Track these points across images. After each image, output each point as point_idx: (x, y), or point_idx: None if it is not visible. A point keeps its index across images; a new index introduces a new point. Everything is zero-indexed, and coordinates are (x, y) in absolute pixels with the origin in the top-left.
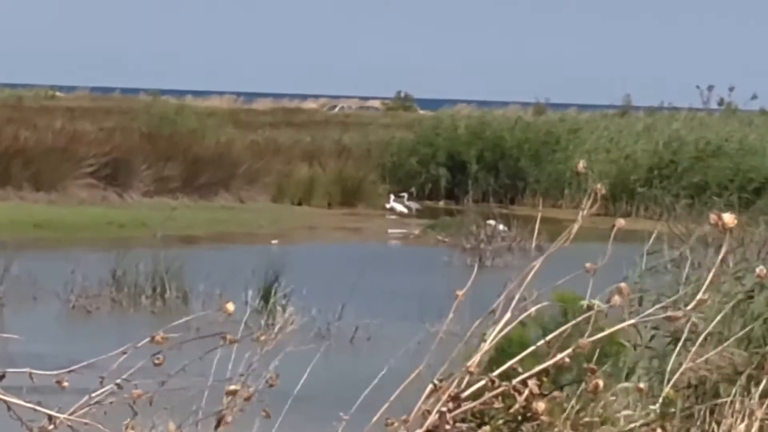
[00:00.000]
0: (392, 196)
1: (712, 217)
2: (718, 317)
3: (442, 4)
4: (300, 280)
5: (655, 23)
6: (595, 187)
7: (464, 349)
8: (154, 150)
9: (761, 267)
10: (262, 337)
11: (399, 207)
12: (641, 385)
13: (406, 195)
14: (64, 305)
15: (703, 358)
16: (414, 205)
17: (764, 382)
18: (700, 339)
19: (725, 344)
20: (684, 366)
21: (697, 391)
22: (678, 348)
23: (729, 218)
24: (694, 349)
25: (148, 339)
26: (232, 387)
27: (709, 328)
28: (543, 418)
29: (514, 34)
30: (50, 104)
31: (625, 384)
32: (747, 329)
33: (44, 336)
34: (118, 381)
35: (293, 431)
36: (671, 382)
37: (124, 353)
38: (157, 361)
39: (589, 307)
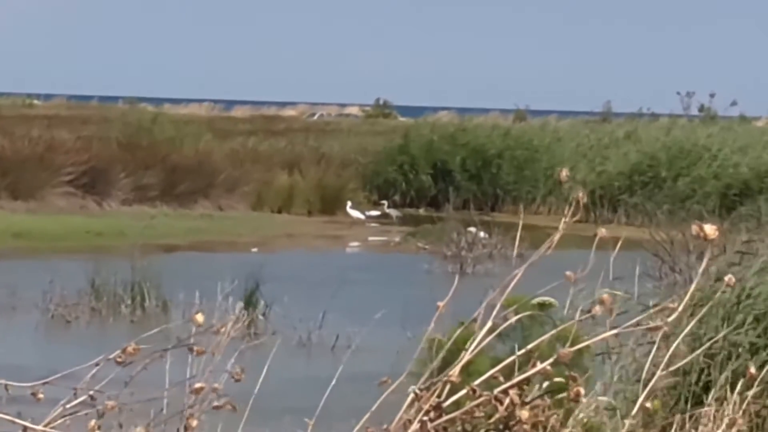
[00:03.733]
0: (349, 203)
1: (694, 228)
2: (693, 323)
3: (421, 12)
4: (281, 288)
5: (635, 30)
6: (577, 195)
7: (447, 356)
8: (133, 158)
9: (730, 276)
10: (222, 329)
11: (356, 214)
12: (625, 395)
13: (386, 203)
14: (43, 315)
15: (679, 365)
16: (394, 212)
17: (739, 386)
18: (674, 346)
19: (701, 350)
20: (659, 372)
21: (674, 396)
22: (652, 355)
23: (710, 230)
24: (668, 355)
25: (119, 351)
26: (198, 385)
27: (683, 334)
28: (526, 426)
29: (494, 41)
30: (28, 112)
31: (602, 398)
32: (726, 331)
33: (23, 346)
34: (91, 392)
35: None
36: (647, 390)
37: (97, 364)
38: (119, 360)
39: (542, 305)
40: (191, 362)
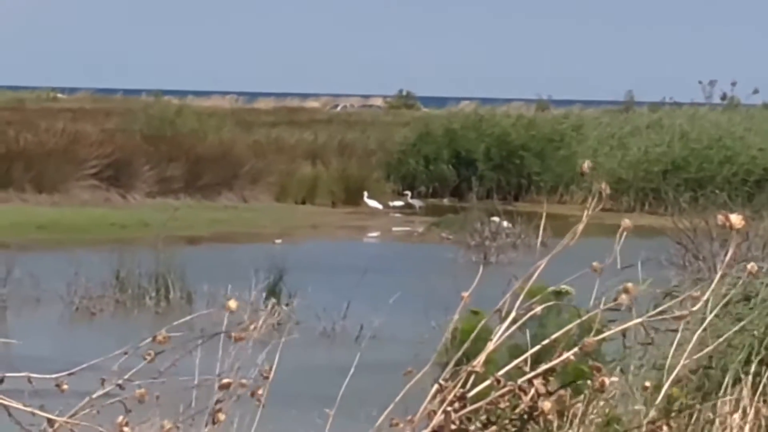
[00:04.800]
0: (366, 194)
1: (720, 217)
2: (716, 310)
3: (443, 2)
4: (304, 279)
5: (657, 19)
6: (600, 186)
7: (470, 346)
8: (157, 151)
9: (752, 264)
10: (252, 326)
11: (374, 204)
12: (647, 383)
13: (409, 193)
14: (67, 307)
15: (703, 353)
16: (418, 202)
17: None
18: (698, 332)
19: (722, 338)
20: (683, 361)
21: (696, 385)
22: (675, 343)
23: (736, 219)
24: (691, 344)
25: (149, 339)
26: (225, 380)
27: (705, 324)
28: (549, 417)
29: (516, 31)
30: (52, 106)
31: (615, 378)
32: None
33: (48, 338)
34: (119, 382)
35: (294, 427)
36: (671, 378)
37: (125, 353)
38: (147, 357)
39: (558, 293)
40: (221, 356)
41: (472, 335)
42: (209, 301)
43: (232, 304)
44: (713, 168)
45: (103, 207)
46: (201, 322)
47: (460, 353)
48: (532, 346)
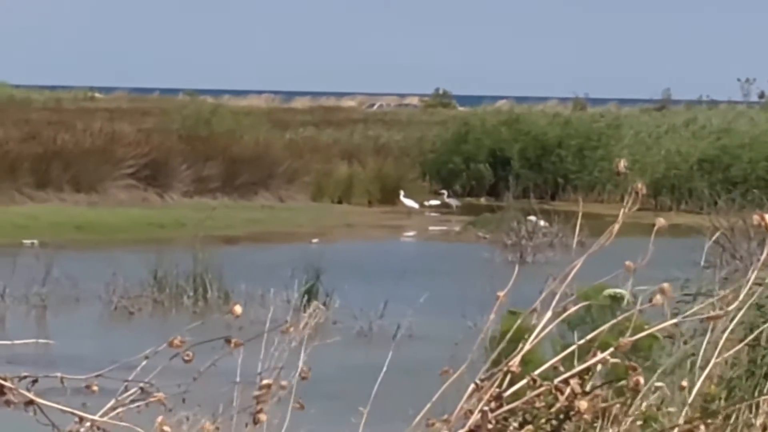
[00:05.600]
0: (402, 192)
1: (755, 217)
2: (744, 307)
3: (478, 2)
4: (341, 279)
5: (694, 16)
6: (636, 186)
7: (508, 346)
8: (193, 150)
9: None
10: (291, 329)
11: (410, 203)
12: (684, 383)
13: (445, 192)
14: (105, 307)
15: (731, 351)
16: (454, 201)
17: None
18: (727, 332)
19: (752, 336)
20: (713, 360)
21: (735, 384)
22: (705, 343)
23: None
24: (721, 343)
25: (166, 344)
26: (266, 381)
27: (734, 323)
28: (586, 416)
29: (553, 29)
30: (89, 106)
31: (658, 384)
32: None
33: (87, 337)
34: (147, 381)
35: (330, 427)
36: (702, 377)
37: (147, 357)
38: (186, 358)
39: (614, 297)
40: (263, 357)
41: (507, 335)
42: (247, 301)
43: (238, 309)
44: (750, 166)
45: (141, 207)
46: (239, 322)
47: (495, 353)
48: (583, 347)
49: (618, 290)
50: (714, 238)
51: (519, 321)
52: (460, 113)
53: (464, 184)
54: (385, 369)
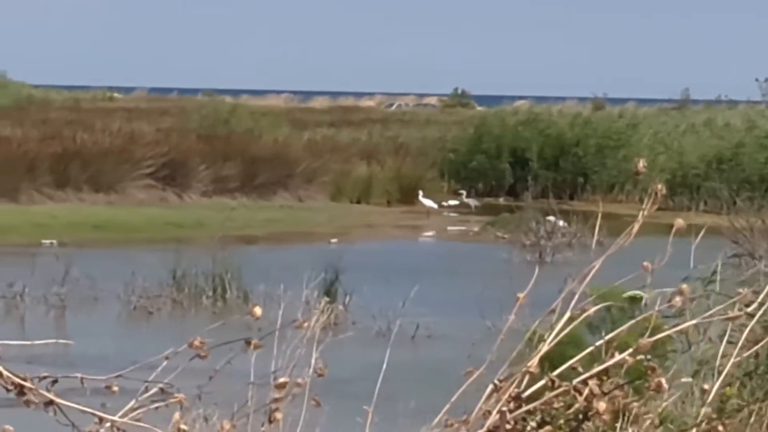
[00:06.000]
0: (421, 192)
1: None
2: (762, 309)
3: (497, 2)
4: (360, 278)
5: (712, 16)
6: (655, 187)
7: (525, 347)
8: (212, 150)
9: None
10: (305, 324)
11: (428, 203)
12: (705, 386)
13: (464, 192)
14: (124, 306)
15: (750, 351)
16: (473, 201)
17: None
18: (746, 332)
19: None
20: (732, 359)
21: (753, 384)
22: (724, 342)
23: None
24: (740, 342)
25: (186, 345)
26: (282, 380)
27: (756, 318)
28: (605, 417)
29: (570, 29)
30: (108, 106)
31: (686, 379)
32: None
33: (106, 337)
34: (162, 384)
35: (346, 426)
36: (721, 378)
37: (167, 358)
38: (203, 354)
39: (633, 299)
40: (276, 355)
41: (525, 337)
42: (266, 301)
43: (258, 311)
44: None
45: (159, 206)
46: (258, 322)
47: (514, 354)
48: (605, 349)
49: (637, 292)
50: (733, 238)
51: (537, 323)
52: (479, 113)
53: (483, 184)
54: (385, 367)
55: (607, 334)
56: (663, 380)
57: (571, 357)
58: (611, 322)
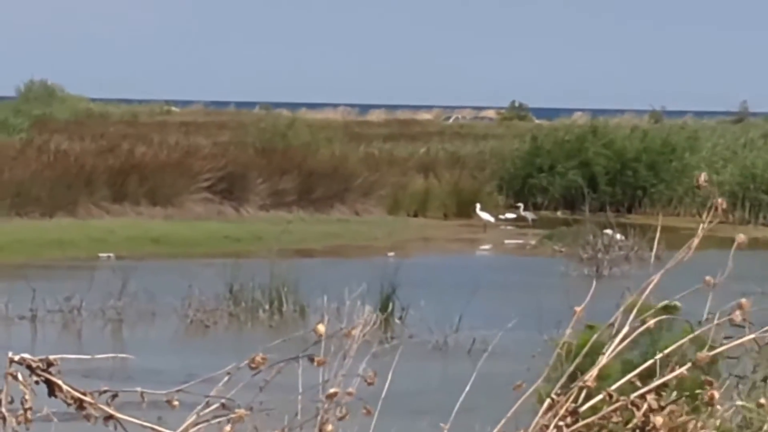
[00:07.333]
0: (478, 205)
1: None
2: None
3: (555, 15)
4: (417, 292)
5: None
6: (716, 201)
7: (582, 361)
8: (269, 164)
9: None
10: (353, 332)
11: (486, 216)
12: (762, 400)
13: (521, 205)
14: (182, 320)
15: None
16: (530, 215)
17: None
18: None
19: None
20: None
21: None
22: None
23: None
24: None
25: (248, 361)
26: (332, 390)
27: None
28: None
29: (629, 42)
30: (165, 119)
31: (740, 402)
32: None
33: (163, 351)
34: (223, 400)
35: None
36: None
37: (229, 374)
38: (253, 365)
39: (667, 308)
40: (329, 368)
41: (584, 350)
42: (322, 315)
43: (321, 328)
44: None
45: (217, 220)
46: (314, 335)
47: (572, 368)
48: (644, 362)
49: (671, 301)
50: None
51: (594, 336)
52: (537, 126)
53: (540, 198)
54: (468, 388)
55: (645, 348)
56: (716, 393)
57: (617, 371)
58: (649, 334)
